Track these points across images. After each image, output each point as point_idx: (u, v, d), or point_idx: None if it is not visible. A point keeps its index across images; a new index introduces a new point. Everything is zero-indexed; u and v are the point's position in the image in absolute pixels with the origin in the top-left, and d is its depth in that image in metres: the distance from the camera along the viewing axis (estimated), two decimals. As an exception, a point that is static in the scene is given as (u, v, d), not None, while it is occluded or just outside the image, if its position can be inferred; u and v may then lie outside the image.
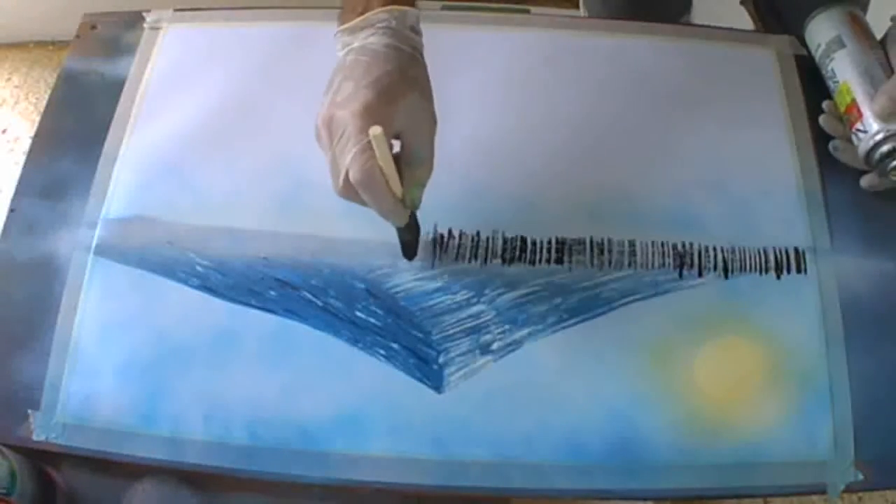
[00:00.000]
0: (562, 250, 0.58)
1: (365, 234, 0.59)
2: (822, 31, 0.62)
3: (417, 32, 0.50)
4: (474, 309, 0.57)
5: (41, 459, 0.54)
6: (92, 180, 0.63)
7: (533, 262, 0.58)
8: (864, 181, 0.59)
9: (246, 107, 0.65)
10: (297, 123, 0.64)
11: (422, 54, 0.50)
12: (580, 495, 0.53)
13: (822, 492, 0.52)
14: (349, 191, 0.47)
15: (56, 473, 0.54)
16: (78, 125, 0.66)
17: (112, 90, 0.67)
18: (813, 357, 0.55)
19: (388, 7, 0.48)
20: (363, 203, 0.48)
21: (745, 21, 0.70)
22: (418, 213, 0.53)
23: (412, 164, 0.48)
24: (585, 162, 0.62)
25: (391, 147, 0.46)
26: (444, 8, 0.71)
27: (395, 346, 0.55)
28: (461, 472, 0.52)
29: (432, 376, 0.54)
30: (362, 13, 0.48)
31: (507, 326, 0.56)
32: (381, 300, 0.57)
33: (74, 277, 0.59)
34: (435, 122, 0.48)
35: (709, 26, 0.70)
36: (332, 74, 0.49)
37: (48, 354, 0.56)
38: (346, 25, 0.49)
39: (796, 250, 0.58)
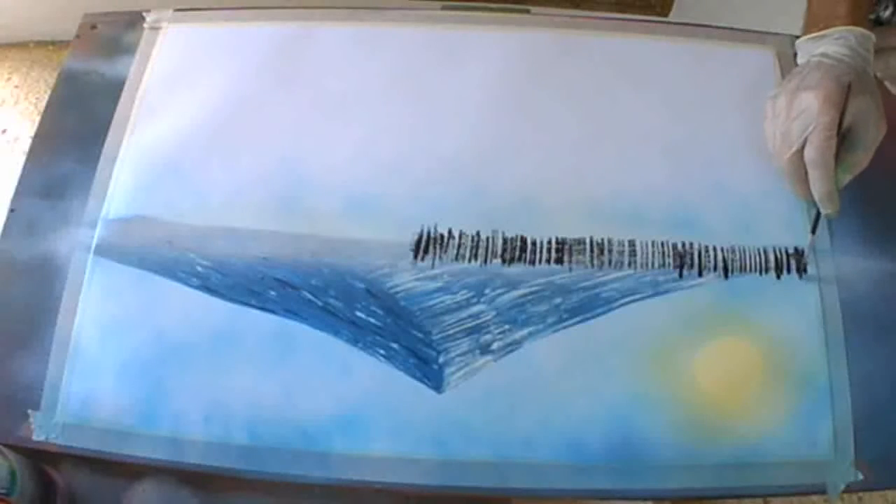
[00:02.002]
0: (562, 250, 0.58)
1: (365, 234, 0.59)
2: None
3: (869, 52, 0.58)
4: (474, 309, 0.57)
5: (41, 459, 0.54)
6: (92, 180, 0.63)
7: (533, 262, 0.58)
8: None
9: (246, 107, 0.65)
10: (297, 123, 0.64)
11: (871, 70, 0.58)
12: (580, 495, 0.53)
13: (822, 492, 0.52)
14: (794, 164, 0.56)
15: (56, 473, 0.54)
16: (78, 125, 0.66)
17: (112, 90, 0.67)
18: (813, 357, 0.55)
19: (850, 26, 0.57)
20: (799, 179, 0.56)
21: (744, 21, 0.70)
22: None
23: (852, 151, 0.55)
24: (585, 162, 0.62)
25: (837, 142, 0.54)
26: (444, 8, 0.71)
27: (395, 346, 0.55)
28: (461, 472, 0.52)
29: (432, 376, 0.54)
30: (824, 28, 0.58)
31: (507, 326, 0.56)
32: (381, 300, 0.57)
33: (74, 277, 0.59)
34: (884, 126, 0.56)
35: (709, 26, 0.70)
36: (795, 70, 0.60)
37: (48, 354, 0.56)
38: (810, 36, 0.60)
39: (796, 250, 0.58)
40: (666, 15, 1.27)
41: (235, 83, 0.67)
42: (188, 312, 0.57)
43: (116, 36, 0.71)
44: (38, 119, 0.67)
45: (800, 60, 0.61)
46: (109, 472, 0.54)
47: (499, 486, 0.52)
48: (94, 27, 0.72)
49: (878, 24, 0.62)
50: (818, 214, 0.57)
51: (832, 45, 0.58)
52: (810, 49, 0.60)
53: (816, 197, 0.55)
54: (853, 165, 0.55)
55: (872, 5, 0.61)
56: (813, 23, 0.60)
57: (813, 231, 0.57)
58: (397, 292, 0.57)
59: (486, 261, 0.58)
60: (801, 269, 0.57)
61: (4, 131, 1.47)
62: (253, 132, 0.64)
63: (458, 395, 0.54)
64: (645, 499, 0.55)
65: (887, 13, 0.61)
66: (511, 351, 0.55)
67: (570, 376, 0.54)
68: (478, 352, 0.55)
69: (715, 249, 0.58)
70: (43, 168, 0.64)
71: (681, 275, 0.57)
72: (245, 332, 0.56)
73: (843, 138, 0.55)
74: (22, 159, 0.65)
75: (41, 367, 0.56)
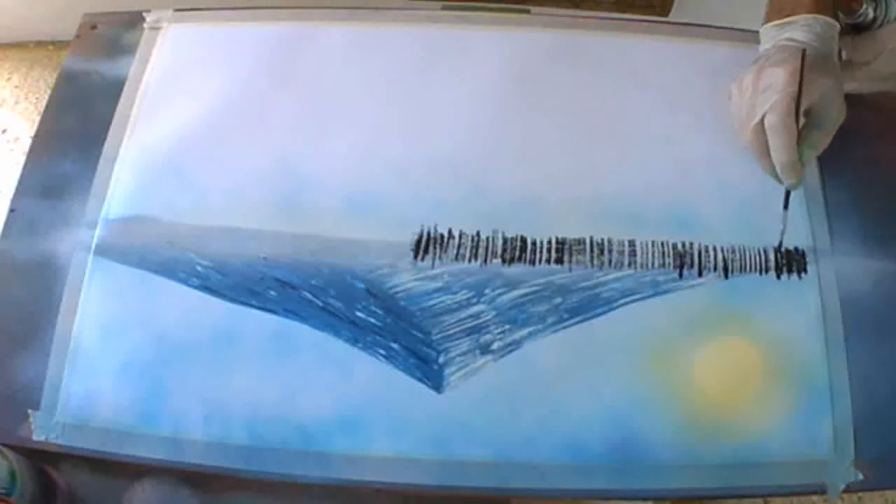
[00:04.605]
0: (562, 250, 0.58)
1: (365, 234, 0.59)
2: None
3: (834, 39, 0.58)
4: (474, 309, 0.57)
5: (41, 459, 0.54)
6: (92, 180, 0.63)
7: (533, 262, 0.58)
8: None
9: (246, 107, 0.65)
10: (297, 123, 0.64)
11: (837, 58, 0.59)
12: (580, 495, 0.53)
13: (822, 492, 0.52)
14: (757, 134, 0.55)
15: (56, 473, 0.54)
16: (78, 125, 0.66)
17: (112, 90, 0.67)
18: (813, 357, 0.55)
19: (815, 14, 0.58)
20: (762, 150, 0.55)
21: (744, 21, 0.70)
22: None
23: (815, 128, 0.55)
24: (585, 162, 0.62)
25: (799, 114, 0.54)
26: (444, 8, 0.71)
27: (395, 346, 0.55)
28: (461, 472, 0.52)
29: (432, 376, 0.54)
30: (790, 15, 0.58)
31: (507, 326, 0.56)
32: (381, 300, 0.57)
33: (74, 277, 0.59)
34: (845, 111, 0.56)
35: (709, 26, 0.70)
36: (760, 54, 0.60)
37: (48, 354, 0.56)
38: (775, 23, 0.59)
39: (796, 250, 0.58)
40: (666, 15, 1.27)
41: (235, 83, 0.67)
42: (188, 312, 0.57)
43: (116, 36, 0.71)
44: (38, 119, 0.67)
45: (763, 46, 0.60)
46: (109, 472, 0.54)
47: (499, 486, 0.52)
48: (94, 27, 0.72)
49: (863, 27, 0.61)
50: (788, 189, 0.57)
51: (798, 31, 0.58)
52: (775, 35, 0.59)
53: (777, 166, 0.55)
54: (816, 142, 0.55)
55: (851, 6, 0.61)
56: (777, 10, 0.60)
57: (785, 207, 0.57)
58: (397, 292, 0.57)
59: (486, 261, 0.58)
60: (801, 269, 0.57)
61: (4, 131, 1.47)
62: (253, 132, 0.64)
63: (458, 395, 0.54)
64: (645, 499, 0.55)
65: (870, 11, 0.61)
66: (511, 351, 0.55)
67: (570, 376, 0.54)
68: (478, 352, 0.55)
69: (715, 249, 0.58)
70: (43, 168, 0.64)
71: (681, 275, 0.57)
72: (245, 332, 0.56)
73: (807, 116, 0.55)
74: (22, 159, 0.65)
75: (41, 367, 0.56)
